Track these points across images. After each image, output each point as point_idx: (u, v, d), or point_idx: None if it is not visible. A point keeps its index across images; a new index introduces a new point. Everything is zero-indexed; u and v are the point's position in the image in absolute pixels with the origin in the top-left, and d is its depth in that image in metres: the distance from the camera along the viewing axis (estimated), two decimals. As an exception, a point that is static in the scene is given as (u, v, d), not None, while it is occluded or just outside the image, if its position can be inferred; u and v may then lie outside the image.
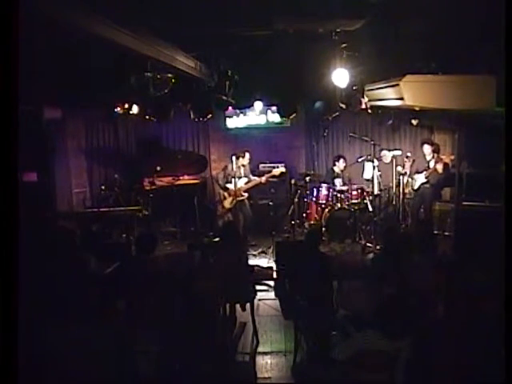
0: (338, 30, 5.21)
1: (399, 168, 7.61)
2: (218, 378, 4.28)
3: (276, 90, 7.05)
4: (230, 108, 7.80)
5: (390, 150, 8.01)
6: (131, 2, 3.60)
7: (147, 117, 7.44)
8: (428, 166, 7.53)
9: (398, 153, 7.77)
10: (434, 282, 4.11)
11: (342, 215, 7.83)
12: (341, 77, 5.48)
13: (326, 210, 7.85)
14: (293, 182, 8.22)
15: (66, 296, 4.11)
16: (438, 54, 5.33)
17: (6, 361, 2.07)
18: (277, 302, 5.90)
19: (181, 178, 8.71)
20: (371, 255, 7.10)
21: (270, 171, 7.99)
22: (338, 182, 8.20)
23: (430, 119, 8.36)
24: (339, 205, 7.83)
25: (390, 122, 8.23)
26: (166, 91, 5.47)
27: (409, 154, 7.81)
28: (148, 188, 8.27)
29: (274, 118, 8.88)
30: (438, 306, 4.01)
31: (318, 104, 7.72)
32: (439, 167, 7.38)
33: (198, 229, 8.11)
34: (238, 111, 8.89)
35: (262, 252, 7.54)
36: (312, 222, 8.00)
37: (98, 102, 7.52)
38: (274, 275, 6.51)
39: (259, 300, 5.74)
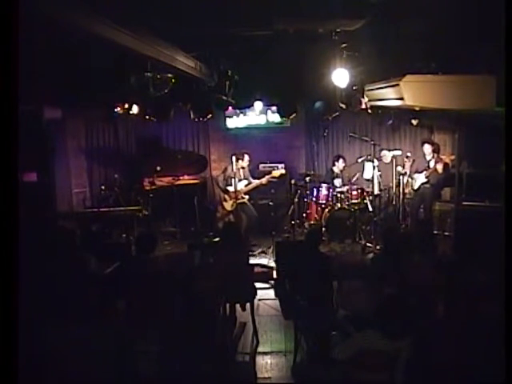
0: (338, 30, 5.22)
1: (399, 168, 7.61)
2: (218, 378, 4.28)
3: (276, 90, 7.05)
4: (230, 108, 7.80)
5: (390, 150, 8.01)
6: (131, 2, 3.61)
7: (147, 117, 7.43)
8: (428, 166, 7.53)
9: (398, 153, 7.77)
10: (433, 282, 4.11)
11: (342, 215, 7.82)
12: (341, 77, 5.48)
13: (326, 210, 7.85)
14: (293, 182, 8.22)
15: (66, 296, 4.11)
16: (438, 54, 5.33)
17: (6, 361, 2.07)
18: (277, 302, 5.90)
19: (181, 178, 8.70)
20: (371, 255, 7.10)
21: (270, 172, 7.97)
22: (337, 182, 8.20)
23: (429, 119, 8.36)
24: (339, 205, 7.83)
25: (390, 122, 8.24)
26: (166, 91, 5.48)
27: (409, 154, 7.81)
28: (148, 188, 8.27)
29: (274, 117, 8.88)
30: (438, 306, 4.01)
31: (318, 104, 7.71)
32: (439, 167, 7.39)
33: (198, 229, 8.11)
34: (238, 111, 8.89)
35: (262, 252, 7.54)
36: (312, 222, 8.00)
37: (97, 102, 7.52)
38: (274, 275, 6.51)
39: (259, 300, 5.74)
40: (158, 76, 5.27)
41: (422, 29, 4.86)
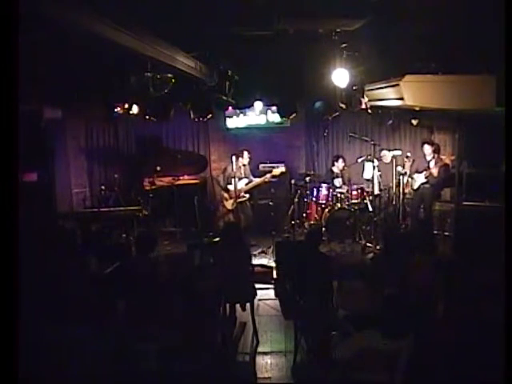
0: (338, 30, 5.22)
1: (399, 168, 7.60)
2: (218, 378, 4.28)
3: (276, 90, 7.05)
4: (230, 108, 7.81)
5: (390, 150, 8.00)
6: (131, 2, 3.61)
7: (147, 117, 7.43)
8: (428, 166, 7.52)
9: (398, 153, 7.77)
10: (433, 281, 4.11)
11: (342, 215, 7.82)
12: (341, 77, 5.48)
13: (326, 210, 7.85)
14: (293, 182, 8.21)
15: (66, 296, 4.11)
16: (438, 54, 5.33)
17: (6, 361, 2.07)
18: (277, 302, 5.90)
19: (181, 178, 8.70)
20: (371, 255, 7.10)
21: (271, 171, 7.98)
22: (337, 181, 8.20)
23: (429, 119, 8.36)
24: (339, 205, 7.82)
25: (390, 122, 8.24)
26: (166, 91, 5.47)
27: (409, 154, 7.80)
28: (148, 188, 8.27)
29: (274, 117, 8.87)
30: (438, 306, 4.01)
31: (318, 104, 7.71)
32: (434, 171, 7.38)
33: (198, 229, 8.11)
34: (238, 111, 8.88)
35: (262, 252, 7.54)
36: (312, 222, 8.00)
37: (97, 102, 7.52)
38: (274, 275, 6.51)
39: (259, 300, 5.74)
40: (158, 76, 5.27)
41: (421, 29, 4.86)
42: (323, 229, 7.56)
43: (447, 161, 7.54)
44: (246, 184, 7.90)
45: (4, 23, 2.02)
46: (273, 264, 6.82)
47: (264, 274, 6.54)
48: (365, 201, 7.85)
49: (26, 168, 7.16)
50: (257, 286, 5.27)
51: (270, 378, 4.35)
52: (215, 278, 5.05)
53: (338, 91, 6.04)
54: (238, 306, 5.22)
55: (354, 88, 6.09)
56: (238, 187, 7.71)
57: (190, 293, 4.84)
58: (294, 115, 7.53)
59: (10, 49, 2.06)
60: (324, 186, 7.98)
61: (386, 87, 5.62)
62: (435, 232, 7.89)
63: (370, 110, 7.10)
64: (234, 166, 7.49)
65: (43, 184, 7.63)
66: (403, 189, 7.54)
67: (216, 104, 6.92)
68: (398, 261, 4.46)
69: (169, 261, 6.92)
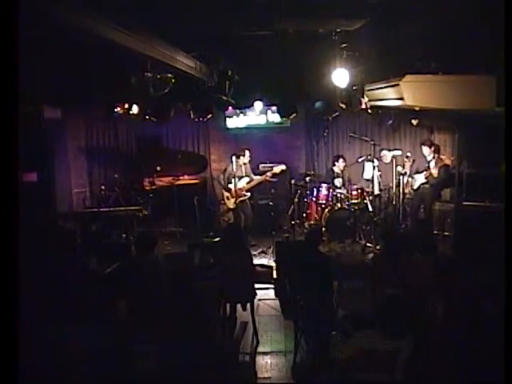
0: (338, 30, 5.22)
1: (399, 168, 7.60)
2: (218, 378, 4.28)
3: (276, 89, 7.05)
4: (230, 108, 7.81)
5: (390, 150, 8.00)
6: (131, 2, 3.61)
7: (147, 117, 7.43)
8: (428, 167, 7.52)
9: (398, 153, 7.77)
10: (433, 281, 4.11)
11: (342, 215, 7.82)
12: (341, 77, 5.48)
13: (326, 210, 7.85)
14: (293, 182, 8.22)
15: (66, 296, 4.11)
16: (438, 54, 5.32)
17: (6, 360, 2.07)
18: (277, 302, 5.90)
19: (181, 178, 8.70)
20: (371, 255, 7.10)
21: (271, 170, 8.00)
22: (337, 181, 8.20)
23: (429, 119, 8.36)
24: (339, 205, 7.83)
25: (390, 122, 8.23)
26: (165, 91, 5.47)
27: (409, 154, 7.80)
28: (148, 188, 8.27)
29: (274, 117, 8.88)
30: (438, 306, 4.01)
31: (318, 104, 7.72)
32: (434, 172, 7.38)
33: (198, 229, 8.11)
34: (238, 111, 8.89)
35: (262, 252, 7.54)
36: (312, 222, 8.00)
37: (98, 102, 7.52)
38: (274, 275, 6.51)
39: (259, 300, 5.74)
40: (158, 76, 5.27)
41: (421, 29, 4.86)
42: (323, 229, 7.56)
43: (447, 161, 7.53)
44: (248, 183, 7.91)
45: (4, 23, 2.02)
46: (273, 264, 6.83)
47: (263, 274, 6.54)
48: (365, 201, 7.85)
49: (26, 168, 7.16)
50: (256, 285, 5.27)
51: (269, 378, 4.36)
52: (215, 277, 5.05)
53: (338, 91, 6.04)
54: (237, 306, 5.22)
55: (354, 88, 6.09)
56: (239, 186, 7.73)
57: (190, 293, 4.84)
58: (294, 115, 7.53)
59: (10, 49, 2.06)
60: (324, 186, 7.98)
61: (386, 87, 5.61)
62: (435, 232, 7.89)
63: (369, 110, 7.10)
64: (235, 165, 7.50)
65: (43, 184, 7.63)
66: (403, 189, 7.54)
67: (216, 104, 6.92)
68: (398, 261, 4.46)
69: (169, 261, 6.92)
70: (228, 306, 5.08)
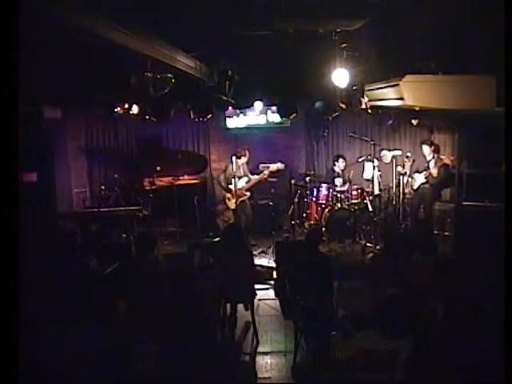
0: (338, 30, 5.22)
1: (399, 168, 7.60)
2: (218, 378, 4.28)
3: (276, 89, 7.05)
4: (230, 108, 7.80)
5: (390, 150, 8.00)
6: (131, 2, 3.61)
7: (147, 117, 7.43)
8: (428, 166, 7.53)
9: (398, 153, 7.77)
10: (433, 281, 4.11)
11: (342, 215, 7.82)
12: (341, 77, 5.48)
13: (326, 210, 7.85)
14: (293, 182, 8.22)
15: (66, 296, 4.11)
16: (438, 54, 5.32)
17: (6, 360, 2.07)
18: (277, 302, 5.90)
19: (181, 178, 8.70)
20: (371, 255, 7.10)
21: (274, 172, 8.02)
22: (338, 181, 8.20)
23: (430, 119, 8.35)
24: (339, 205, 7.82)
25: (390, 122, 8.23)
26: (165, 91, 5.47)
27: (409, 154, 7.80)
28: (148, 188, 8.27)
29: (274, 117, 8.88)
30: (438, 306, 4.01)
31: (318, 104, 7.71)
32: (434, 171, 7.39)
33: (198, 229, 8.11)
34: (238, 111, 8.89)
35: (262, 252, 7.54)
36: (312, 222, 8.00)
37: (98, 102, 7.52)
38: (274, 275, 6.51)
39: (259, 300, 5.74)
40: (158, 76, 5.26)
41: (421, 29, 4.86)
42: (323, 229, 7.56)
43: (447, 161, 7.53)
44: (246, 182, 7.91)
45: (4, 23, 2.02)
46: (273, 264, 6.83)
47: (262, 274, 6.54)
48: (365, 201, 7.85)
49: (26, 168, 7.16)
50: (256, 285, 5.28)
51: (269, 378, 4.36)
52: (215, 277, 5.05)
53: (338, 91, 6.04)
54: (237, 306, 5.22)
55: (354, 88, 6.09)
56: (239, 186, 7.73)
57: (190, 293, 4.84)
58: (294, 115, 7.53)
59: (10, 49, 2.06)
60: (324, 186, 7.99)
61: (386, 87, 5.61)
62: (435, 232, 7.89)
63: (369, 110, 7.10)
64: (235, 166, 7.50)
65: (43, 184, 7.63)
66: (403, 189, 7.54)
67: (216, 104, 6.91)
68: (398, 261, 4.46)
69: (169, 261, 6.92)
70: (228, 306, 5.08)
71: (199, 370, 4.24)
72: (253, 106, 7.61)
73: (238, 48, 5.81)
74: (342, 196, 7.88)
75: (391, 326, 3.14)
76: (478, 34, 4.59)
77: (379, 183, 7.85)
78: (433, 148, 7.59)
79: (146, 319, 4.16)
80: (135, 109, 7.33)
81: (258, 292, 5.21)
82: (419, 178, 7.62)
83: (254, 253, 7.42)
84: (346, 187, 8.01)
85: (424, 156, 7.64)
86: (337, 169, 8.36)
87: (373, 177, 7.81)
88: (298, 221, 8.15)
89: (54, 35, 3.44)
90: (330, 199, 7.90)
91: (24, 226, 2.39)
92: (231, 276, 4.84)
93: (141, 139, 9.21)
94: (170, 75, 5.42)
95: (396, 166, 7.52)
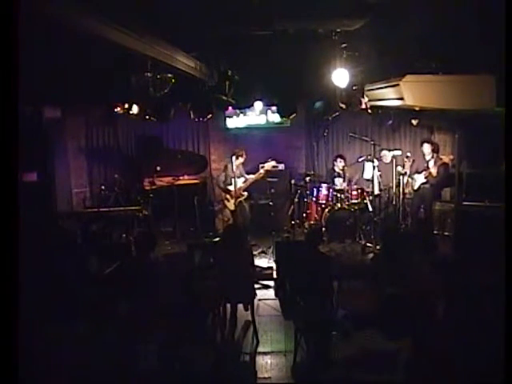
0: (338, 30, 5.21)
1: (399, 168, 7.61)
2: (218, 378, 4.28)
3: (276, 89, 7.05)
4: (230, 108, 7.80)
5: (390, 150, 8.01)
6: (131, 2, 3.60)
7: (147, 117, 7.43)
8: (427, 166, 7.53)
9: (398, 153, 7.77)
10: (433, 281, 4.11)
11: (342, 215, 7.82)
12: (341, 77, 5.48)
13: (326, 210, 7.85)
14: (293, 182, 8.22)
15: (66, 295, 4.12)
16: (438, 54, 5.32)
17: (6, 361, 2.07)
18: (277, 302, 5.90)
19: (181, 178, 8.71)
20: (371, 255, 7.10)
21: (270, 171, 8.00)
22: (338, 181, 8.20)
23: (430, 119, 8.35)
24: (339, 205, 7.83)
25: (390, 122, 8.23)
26: (165, 91, 5.47)
27: (409, 154, 7.81)
28: (148, 188, 8.27)
29: (274, 118, 8.87)
30: (438, 306, 4.01)
31: (318, 104, 7.72)
32: (434, 171, 7.39)
33: (198, 229, 8.11)
34: (238, 111, 8.89)
35: (262, 252, 7.54)
36: (312, 222, 8.00)
37: (98, 102, 7.51)
38: (274, 275, 6.51)
39: (259, 300, 5.74)
40: (158, 76, 5.26)
41: (421, 29, 4.85)
42: (323, 229, 7.56)
43: (446, 160, 7.54)
44: (243, 182, 7.91)
45: (4, 23, 2.02)
46: (273, 264, 6.83)
47: (263, 275, 6.55)
48: (365, 201, 7.85)
49: (26, 168, 7.16)
50: (256, 285, 5.28)
51: (269, 378, 4.36)
52: (215, 277, 5.05)
53: (338, 91, 6.04)
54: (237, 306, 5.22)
55: (354, 88, 6.09)
56: (237, 186, 7.73)
57: (190, 293, 4.84)
58: (293, 115, 7.53)
59: (10, 48, 2.06)
60: (324, 186, 7.99)
61: (386, 87, 5.61)
62: (435, 232, 7.89)
63: (369, 110, 7.09)
64: (234, 166, 7.50)
65: (43, 184, 7.63)
66: (403, 189, 7.55)
67: (216, 104, 6.91)
68: (398, 261, 4.46)
69: (169, 261, 6.92)
70: (228, 306, 5.08)
71: (199, 370, 4.24)
72: (253, 105, 7.61)
73: (238, 48, 5.81)
74: (342, 196, 7.89)
75: (391, 326, 3.14)
76: (478, 34, 4.59)
77: (379, 183, 7.85)
78: (432, 147, 7.60)
79: (145, 319, 4.16)
80: (135, 109, 7.33)
81: (257, 292, 5.21)
82: (419, 179, 7.62)
83: (254, 253, 7.42)
84: (345, 188, 7.99)
85: (424, 155, 7.64)
86: (337, 169, 8.36)
87: (373, 177, 7.81)
88: (297, 221, 8.16)
89: (55, 35, 3.43)
90: (330, 199, 7.90)
91: (24, 225, 2.39)
92: (231, 276, 4.84)
93: (141, 139, 9.22)
94: (170, 75, 5.42)
95: (396, 166, 7.53)
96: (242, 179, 7.92)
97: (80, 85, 5.92)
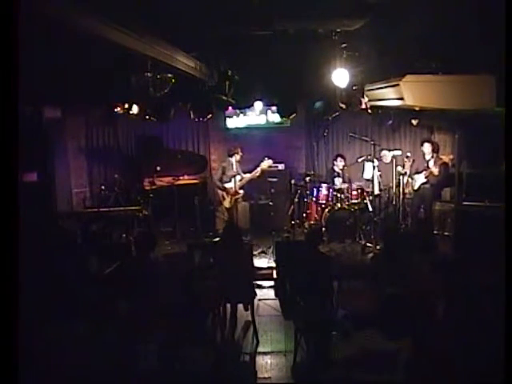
0: (338, 30, 5.22)
1: (399, 168, 7.60)
2: (218, 378, 4.28)
3: (276, 90, 7.05)
4: (230, 108, 7.81)
5: (390, 150, 8.00)
6: (131, 2, 3.60)
7: (147, 117, 7.43)
8: (427, 166, 7.53)
9: (398, 153, 7.77)
10: (433, 281, 4.11)
11: (342, 215, 7.82)
12: (341, 77, 5.48)
13: (326, 210, 7.85)
14: (293, 182, 8.22)
15: (67, 295, 4.12)
16: (438, 54, 5.32)
17: (6, 361, 2.07)
18: (277, 302, 5.90)
19: (181, 178, 8.71)
20: (371, 255, 7.10)
21: (270, 171, 8.00)
22: (338, 181, 8.20)
23: (430, 119, 8.36)
24: (339, 205, 7.82)
25: (390, 122, 8.23)
26: (165, 91, 5.47)
27: (409, 154, 7.80)
28: (148, 188, 8.27)
29: (274, 118, 8.88)
30: (438, 306, 4.01)
31: (318, 104, 7.72)
32: (435, 170, 7.38)
33: (198, 229, 8.11)
34: (238, 111, 8.89)
35: (262, 252, 7.54)
36: (312, 222, 8.00)
37: (98, 102, 7.51)
38: (274, 275, 6.51)
39: (259, 300, 5.74)
40: (158, 76, 5.26)
41: (421, 29, 4.85)
42: (323, 229, 7.56)
43: (446, 160, 7.53)
44: (240, 180, 7.92)
45: (4, 23, 2.02)
46: (273, 264, 6.82)
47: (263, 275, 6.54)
48: (365, 201, 7.85)
49: (26, 168, 7.16)
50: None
51: (269, 378, 4.36)
52: (215, 277, 5.05)
53: (338, 91, 6.04)
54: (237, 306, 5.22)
55: (354, 88, 6.09)
56: (232, 185, 7.74)
57: (190, 293, 4.84)
58: (293, 115, 7.53)
59: (10, 49, 2.06)
60: (324, 186, 7.99)
61: (386, 87, 5.61)
62: (435, 232, 7.89)
63: (369, 110, 7.10)
64: (235, 165, 7.51)
65: (43, 184, 7.63)
66: (403, 189, 7.54)
67: (216, 104, 6.91)
68: (398, 261, 4.46)
69: (169, 261, 6.92)
70: (228, 306, 5.08)
71: (199, 370, 4.24)
72: (253, 106, 7.61)
73: (238, 48, 5.81)
74: (342, 196, 7.89)
75: (391, 326, 3.14)
76: (478, 34, 4.59)
77: (379, 183, 7.84)
78: (432, 147, 7.60)
79: (145, 319, 4.16)
80: (135, 109, 7.33)
81: (257, 292, 5.21)
82: (419, 179, 7.62)
83: (254, 253, 7.42)
84: (345, 188, 7.99)
85: (423, 155, 7.64)
86: (336, 168, 8.36)
87: (373, 177, 7.81)
88: (297, 221, 8.15)
89: (55, 35, 3.43)
90: (329, 199, 7.90)
91: (24, 225, 2.39)
92: (231, 276, 4.84)
93: (141, 139, 9.22)
94: (170, 75, 5.42)
95: (396, 165, 7.52)
96: (239, 177, 7.92)
97: (80, 85, 5.92)
